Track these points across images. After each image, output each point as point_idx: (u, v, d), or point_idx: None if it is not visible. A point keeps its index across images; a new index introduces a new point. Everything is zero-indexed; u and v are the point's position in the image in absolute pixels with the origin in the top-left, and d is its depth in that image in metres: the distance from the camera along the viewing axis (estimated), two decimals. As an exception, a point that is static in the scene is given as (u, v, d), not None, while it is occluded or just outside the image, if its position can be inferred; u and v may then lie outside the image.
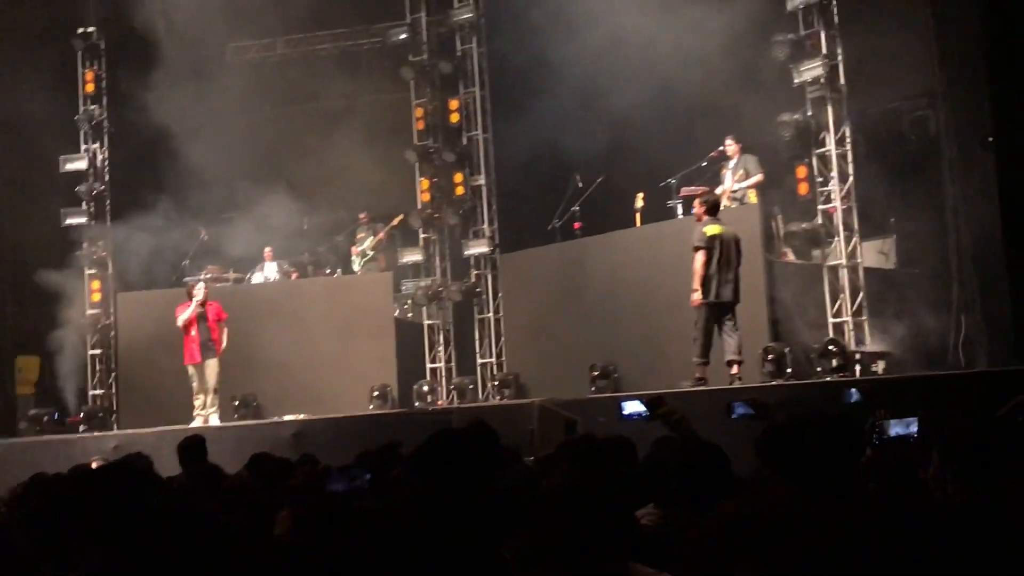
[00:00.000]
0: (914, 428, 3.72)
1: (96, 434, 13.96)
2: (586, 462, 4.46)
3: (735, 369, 10.22)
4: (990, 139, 10.43)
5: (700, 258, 10.21)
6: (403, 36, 16.11)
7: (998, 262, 10.36)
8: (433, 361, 15.58)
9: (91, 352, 16.10)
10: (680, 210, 12.77)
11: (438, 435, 3.87)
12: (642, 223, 13.14)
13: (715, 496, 3.53)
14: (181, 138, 16.41)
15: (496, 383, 14.10)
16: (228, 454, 8.99)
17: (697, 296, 10.27)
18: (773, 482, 2.97)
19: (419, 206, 15.84)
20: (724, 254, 10.31)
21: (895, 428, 3.76)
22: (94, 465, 8.12)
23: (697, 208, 10.62)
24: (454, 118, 15.86)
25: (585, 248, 13.49)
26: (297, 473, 4.93)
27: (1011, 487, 2.66)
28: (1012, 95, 10.01)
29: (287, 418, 13.23)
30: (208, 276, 15.21)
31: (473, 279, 15.50)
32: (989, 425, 2.98)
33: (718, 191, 12.74)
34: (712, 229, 10.30)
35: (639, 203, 13.15)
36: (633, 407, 5.11)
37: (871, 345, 11.73)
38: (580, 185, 13.91)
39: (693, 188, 12.88)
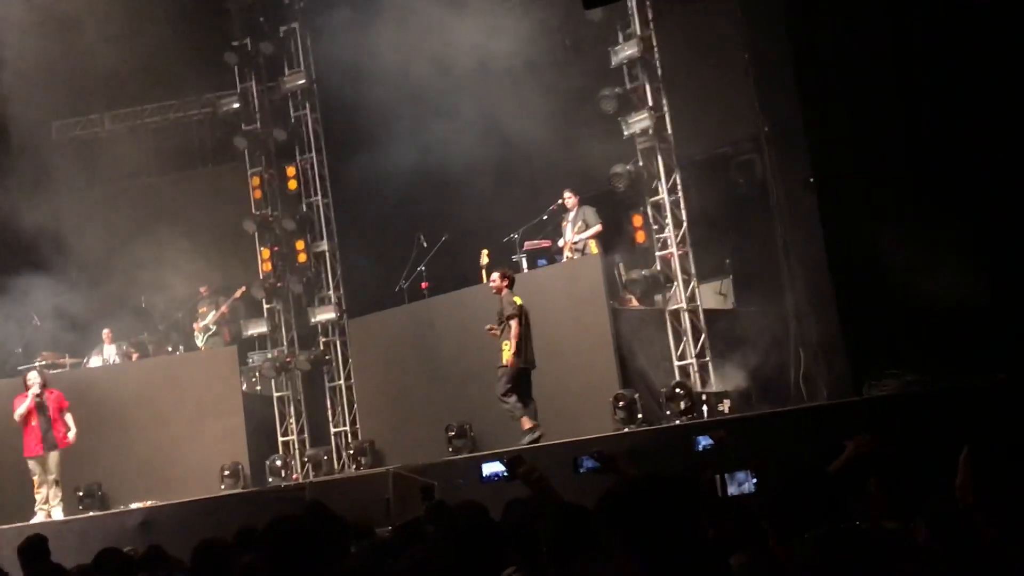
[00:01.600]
0: (751, 484, 3.76)
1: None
2: (442, 533, 4.39)
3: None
4: (811, 179, 10.87)
5: (516, 325, 11.02)
6: (235, 105, 15.90)
7: (828, 296, 10.76)
8: (285, 434, 15.25)
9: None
10: (525, 264, 12.92)
11: (273, 526, 3.77)
12: (488, 279, 13.20)
13: (578, 557, 3.52)
14: (10, 219, 15.81)
15: (351, 452, 13.86)
16: (72, 550, 8.62)
17: (516, 359, 11.03)
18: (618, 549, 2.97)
19: (261, 276, 15.57)
20: (528, 323, 11.17)
21: (731, 487, 3.80)
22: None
23: (499, 281, 11.33)
24: (292, 185, 15.72)
25: (434, 308, 13.47)
26: None
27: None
28: (826, 136, 10.48)
29: (133, 506, 12.73)
30: (43, 363, 14.55)
31: (322, 347, 15.29)
32: (807, 480, 3.06)
33: (560, 243, 12.98)
34: (518, 299, 11.16)
35: (484, 259, 13.23)
36: (492, 468, 5.07)
37: (716, 385, 12.01)
38: (424, 245, 13.93)
39: (536, 242, 13.08)
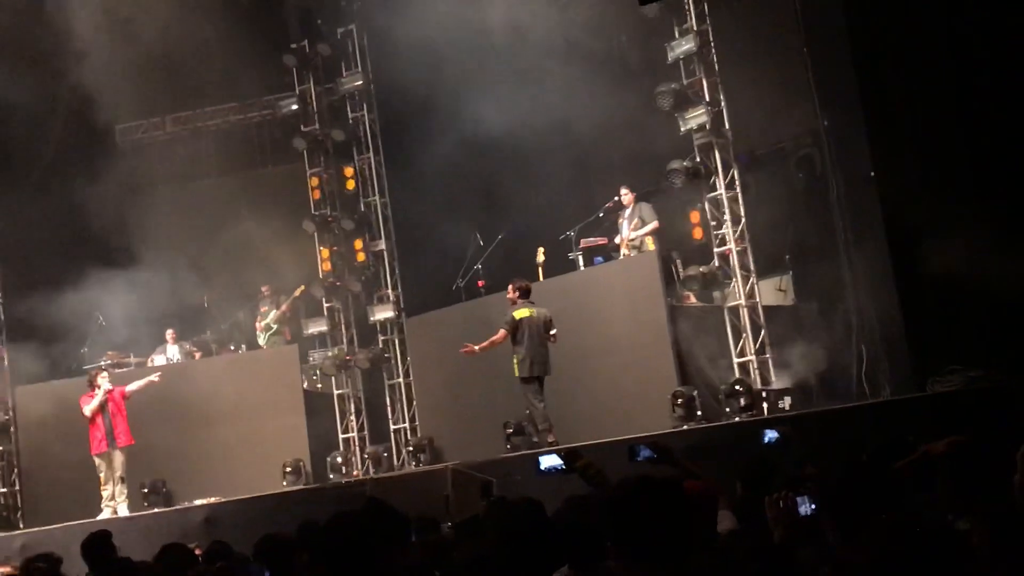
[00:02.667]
0: (808, 508, 3.68)
1: (1, 534, 13.42)
2: (499, 530, 4.40)
3: (551, 437, 11.01)
4: (872, 174, 10.75)
5: (501, 334, 11.37)
6: (293, 107, 16.07)
7: (890, 291, 10.64)
8: (345, 431, 15.39)
9: (-9, 449, 15.55)
10: (581, 262, 12.91)
11: (334, 522, 3.82)
12: (545, 277, 13.23)
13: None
14: (76, 221, 16.13)
15: (411, 449, 13.95)
16: (137, 545, 8.76)
17: (476, 349, 11.50)
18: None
19: (321, 275, 15.72)
20: (534, 334, 11.31)
21: (802, 507, 3.70)
22: (2, 571, 7.81)
23: (511, 292, 11.61)
24: (350, 185, 15.85)
25: (490, 306, 13.48)
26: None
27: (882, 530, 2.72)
28: (887, 131, 10.36)
29: (197, 503, 12.92)
30: (108, 362, 14.83)
31: (380, 345, 15.39)
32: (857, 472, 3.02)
33: (616, 240, 12.95)
34: (521, 312, 11.36)
35: (540, 257, 13.25)
36: (549, 462, 5.10)
37: (777, 382, 11.91)
38: (481, 243, 13.97)
39: (593, 239, 13.06)
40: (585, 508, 4.55)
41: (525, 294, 11.54)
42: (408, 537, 4.95)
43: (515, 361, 11.33)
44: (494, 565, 3.94)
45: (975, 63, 9.19)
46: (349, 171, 15.84)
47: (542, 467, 5.13)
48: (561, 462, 4.94)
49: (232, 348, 16.27)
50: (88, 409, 12.88)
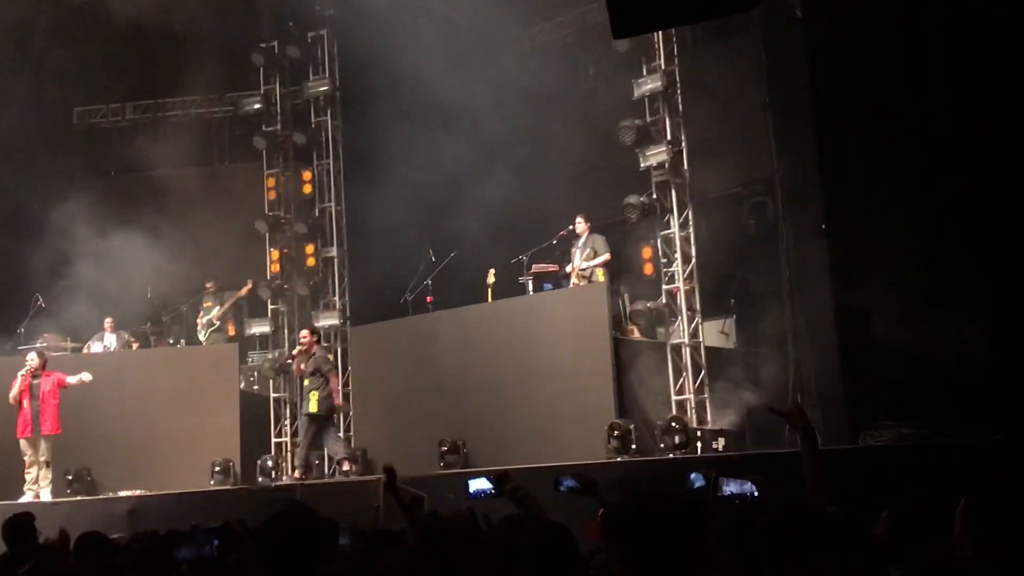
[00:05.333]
0: (750, 488, 3.82)
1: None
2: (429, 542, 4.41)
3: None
4: (823, 226, 10.94)
5: (335, 378, 13.35)
6: (256, 106, 16.00)
7: (830, 344, 10.81)
8: (279, 435, 15.26)
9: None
10: (531, 287, 12.98)
11: (267, 524, 3.84)
12: (494, 298, 13.29)
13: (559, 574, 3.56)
14: (25, 201, 15.92)
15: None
16: (56, 532, 8.61)
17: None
18: (612, 563, 3.01)
19: (268, 276, 15.63)
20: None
21: (729, 487, 3.85)
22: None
23: (309, 338, 13.24)
24: (307, 189, 15.80)
25: (437, 322, 13.53)
26: (138, 536, 4.69)
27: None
28: (840, 187, 10.56)
29: (122, 494, 12.75)
30: (44, 344, 14.61)
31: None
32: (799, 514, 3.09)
33: (567, 268, 13.05)
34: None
35: (491, 278, 13.33)
36: (479, 484, 5.08)
37: (712, 423, 12.04)
38: (433, 259, 14.00)
39: (544, 265, 13.16)
40: (518, 528, 4.59)
41: (320, 339, 13.57)
42: (336, 543, 4.93)
43: (314, 399, 12.81)
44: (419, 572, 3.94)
45: (937, 121, 9.40)
46: (307, 175, 15.79)
47: (471, 490, 5.12)
48: (491, 486, 4.96)
49: (171, 342, 16.11)
50: (11, 395, 12.69)
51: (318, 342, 13.38)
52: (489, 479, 4.94)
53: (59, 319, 15.50)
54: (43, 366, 13.00)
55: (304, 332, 13.47)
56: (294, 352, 13.74)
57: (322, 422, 13.02)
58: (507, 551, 3.97)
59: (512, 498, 4.66)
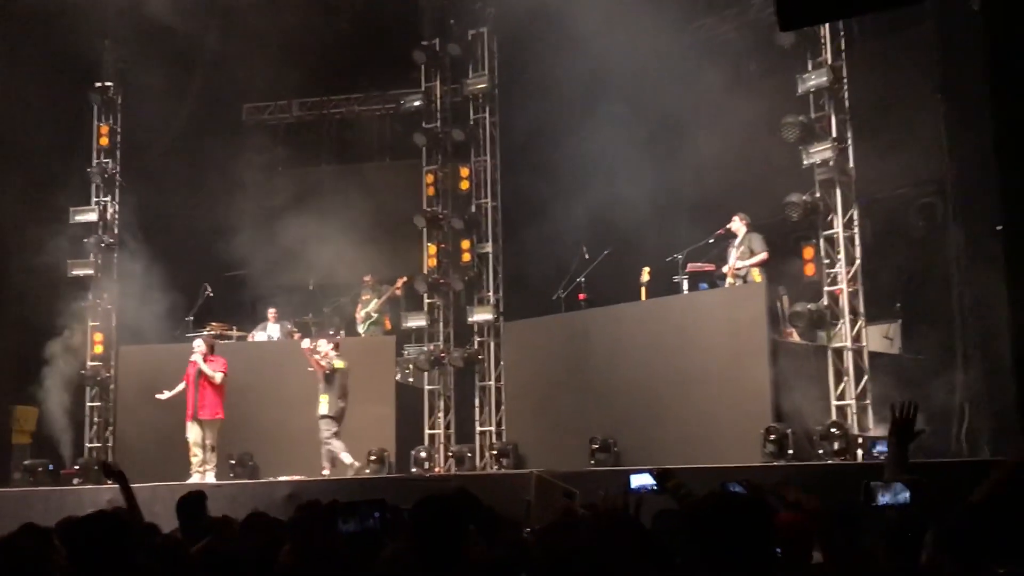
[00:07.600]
0: (903, 496, 3.66)
1: (90, 487, 13.82)
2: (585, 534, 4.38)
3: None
4: (998, 228, 10.43)
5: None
6: (417, 103, 16.27)
7: (1004, 354, 10.30)
8: (432, 427, 15.48)
9: (89, 404, 16.02)
10: (686, 286, 12.79)
11: (424, 502, 3.87)
12: (647, 297, 13.14)
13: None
14: (192, 194, 16.59)
15: (494, 452, 13.97)
16: (221, 512, 8.92)
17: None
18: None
19: (425, 271, 15.87)
20: (344, 383, 13.51)
21: (884, 497, 3.70)
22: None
23: (332, 345, 13.71)
24: (464, 185, 15.96)
25: (589, 319, 13.46)
26: (302, 507, 4.82)
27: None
28: (1021, 185, 10.04)
29: (282, 479, 13.13)
30: (210, 332, 15.18)
31: (476, 346, 15.46)
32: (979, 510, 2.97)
33: (724, 268, 12.80)
34: (339, 363, 13.50)
35: (645, 277, 13.17)
36: (641, 480, 5.05)
37: (874, 429, 11.63)
38: (587, 256, 13.93)
39: (700, 264, 12.93)
40: (676, 521, 4.53)
41: (337, 346, 13.84)
42: (495, 532, 4.95)
43: (326, 400, 13.30)
44: (579, 569, 3.91)
45: None
46: (465, 171, 15.95)
47: (633, 485, 5.08)
48: (653, 481, 4.91)
49: (331, 332, 16.50)
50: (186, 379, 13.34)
51: (335, 347, 13.78)
52: (652, 475, 4.89)
53: (225, 308, 16.07)
54: (211, 350, 13.54)
55: (323, 342, 13.83)
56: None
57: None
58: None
59: (674, 496, 4.60)
